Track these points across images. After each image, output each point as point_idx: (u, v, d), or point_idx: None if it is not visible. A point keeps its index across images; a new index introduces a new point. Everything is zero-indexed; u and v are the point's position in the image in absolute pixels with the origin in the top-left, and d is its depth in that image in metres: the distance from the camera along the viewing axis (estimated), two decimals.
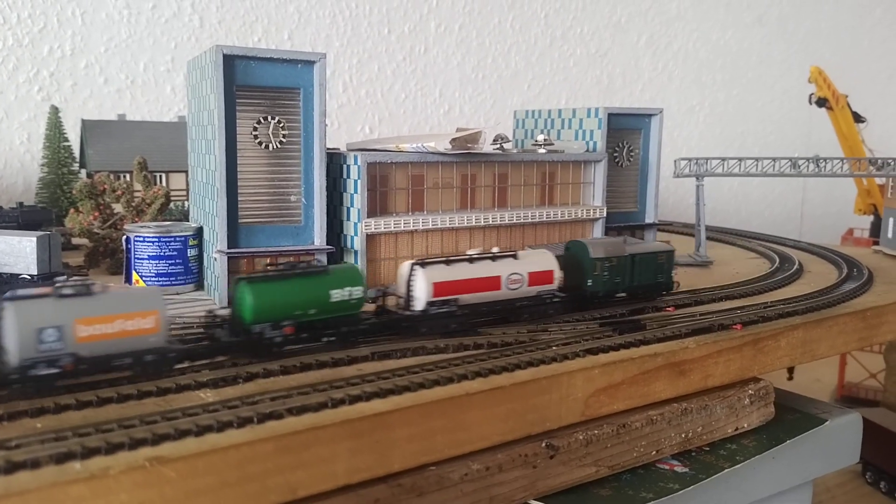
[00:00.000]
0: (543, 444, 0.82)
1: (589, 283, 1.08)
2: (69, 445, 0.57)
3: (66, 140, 1.67)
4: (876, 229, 2.27)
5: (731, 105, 3.16)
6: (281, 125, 1.09)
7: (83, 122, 1.69)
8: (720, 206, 2.98)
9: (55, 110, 1.66)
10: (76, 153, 1.70)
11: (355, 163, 1.13)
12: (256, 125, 1.07)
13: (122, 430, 0.61)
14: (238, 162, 1.07)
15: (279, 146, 1.09)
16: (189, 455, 0.59)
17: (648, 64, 2.90)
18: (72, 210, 1.30)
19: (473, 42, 2.49)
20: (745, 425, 1.02)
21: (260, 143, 1.08)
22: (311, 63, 1.09)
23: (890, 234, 1.63)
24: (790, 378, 1.79)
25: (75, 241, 1.43)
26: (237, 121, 1.06)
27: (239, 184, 1.07)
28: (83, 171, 1.69)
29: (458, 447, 0.76)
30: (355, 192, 1.13)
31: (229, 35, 2.07)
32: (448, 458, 0.75)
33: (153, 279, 1.12)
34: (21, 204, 1.42)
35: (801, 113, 2.83)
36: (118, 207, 1.31)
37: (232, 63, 1.04)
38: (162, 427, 0.62)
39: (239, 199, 1.07)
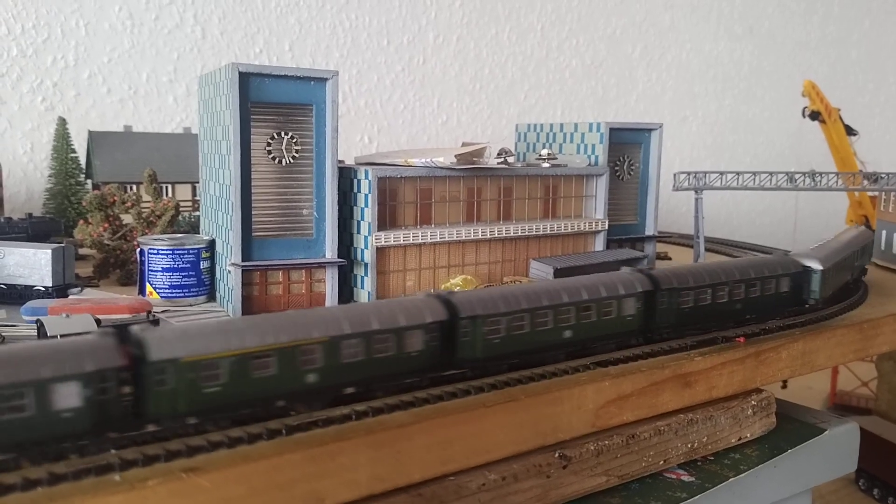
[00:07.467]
0: (556, 455, 0.84)
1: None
2: (108, 458, 0.59)
3: (74, 151, 1.69)
4: None
5: (722, 115, 3.20)
6: (294, 140, 1.11)
7: (90, 133, 1.71)
8: (712, 215, 3.01)
9: (63, 122, 1.68)
10: (82, 164, 1.72)
11: (366, 177, 1.15)
12: (270, 140, 1.09)
13: (156, 443, 0.63)
14: (252, 176, 1.09)
15: (292, 161, 1.11)
16: (222, 466, 0.61)
17: (643, 75, 2.94)
18: (81, 221, 1.32)
19: (471, 53, 2.52)
20: (748, 435, 1.05)
21: (273, 158, 1.10)
22: (323, 80, 1.11)
23: (883, 246, 1.67)
24: (784, 387, 1.82)
25: (83, 251, 1.44)
26: (251, 136, 1.08)
27: (253, 198, 1.09)
28: (89, 182, 1.71)
29: (475, 456, 0.78)
30: (366, 205, 1.16)
31: (231, 46, 2.09)
32: (465, 467, 0.78)
33: (166, 291, 1.14)
34: (30, 215, 1.43)
35: (790, 123, 2.87)
36: (127, 219, 1.33)
37: (247, 80, 1.06)
38: (195, 440, 0.63)
39: (253, 212, 1.09)
